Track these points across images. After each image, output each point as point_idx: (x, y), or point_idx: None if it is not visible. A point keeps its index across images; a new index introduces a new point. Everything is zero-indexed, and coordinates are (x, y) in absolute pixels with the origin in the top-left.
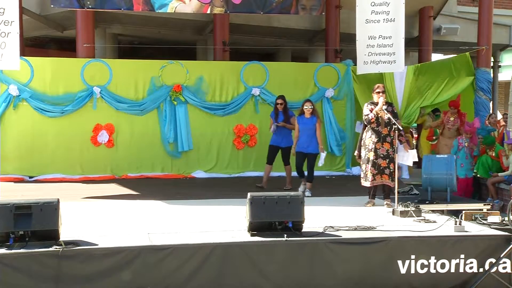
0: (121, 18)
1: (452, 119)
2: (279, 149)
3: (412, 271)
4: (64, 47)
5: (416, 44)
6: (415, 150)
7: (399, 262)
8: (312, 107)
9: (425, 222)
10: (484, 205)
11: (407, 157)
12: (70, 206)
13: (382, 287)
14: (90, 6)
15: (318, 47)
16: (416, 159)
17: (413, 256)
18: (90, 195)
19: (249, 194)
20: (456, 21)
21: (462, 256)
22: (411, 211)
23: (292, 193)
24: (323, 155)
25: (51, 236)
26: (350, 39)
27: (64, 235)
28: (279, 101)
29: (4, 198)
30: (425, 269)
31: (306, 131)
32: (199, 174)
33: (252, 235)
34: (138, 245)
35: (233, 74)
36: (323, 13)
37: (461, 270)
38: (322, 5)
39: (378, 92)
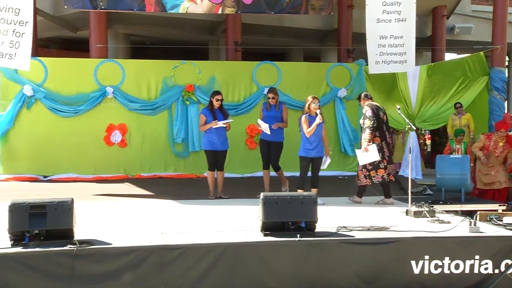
0: (133, 19)
1: (501, 144)
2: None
3: (426, 272)
4: (77, 47)
5: (429, 43)
6: (373, 146)
7: (413, 263)
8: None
9: (439, 222)
10: (499, 206)
11: (364, 157)
12: (83, 206)
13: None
14: (102, 7)
15: (331, 47)
16: (375, 159)
17: (426, 257)
18: (103, 195)
19: (262, 194)
20: (470, 20)
21: (477, 257)
22: (425, 212)
23: (305, 193)
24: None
25: (66, 235)
26: (362, 38)
27: (78, 234)
28: (271, 95)
29: (19, 197)
30: (439, 270)
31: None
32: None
33: (265, 235)
34: (151, 245)
35: (245, 74)
36: (332, 13)
37: (476, 271)
38: (331, 5)
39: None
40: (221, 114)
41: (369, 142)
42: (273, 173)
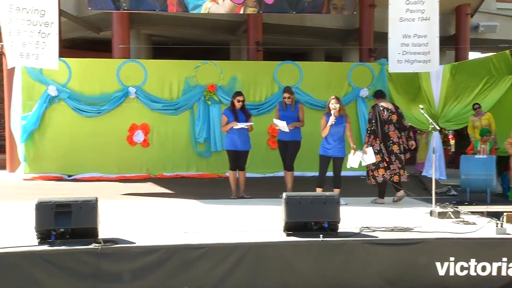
0: (155, 19)
1: None
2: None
3: (451, 273)
4: (100, 48)
5: (453, 42)
6: (370, 149)
7: (438, 264)
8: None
9: (465, 223)
10: None
11: (353, 159)
12: (107, 205)
13: None
14: (125, 8)
15: (352, 46)
16: (370, 161)
17: (452, 258)
18: (126, 194)
19: (284, 194)
20: (495, 18)
21: (505, 259)
22: (450, 212)
23: (327, 193)
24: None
25: (90, 233)
26: (384, 38)
27: (102, 233)
28: (286, 94)
29: (45, 196)
30: (465, 272)
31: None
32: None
33: (288, 235)
34: (175, 244)
35: (266, 74)
36: (355, 12)
37: (504, 273)
38: (353, 4)
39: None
40: (242, 115)
41: (366, 145)
42: (296, 173)
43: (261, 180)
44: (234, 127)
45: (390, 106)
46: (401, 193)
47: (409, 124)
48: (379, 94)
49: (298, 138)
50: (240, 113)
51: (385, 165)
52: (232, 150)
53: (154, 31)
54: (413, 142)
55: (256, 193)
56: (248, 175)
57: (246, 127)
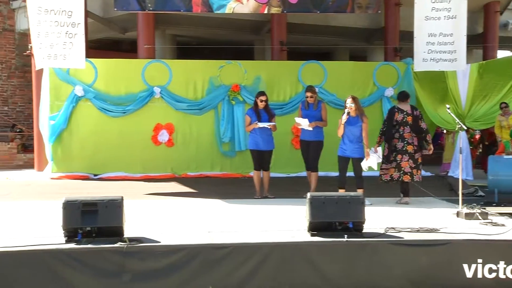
0: (180, 19)
1: None
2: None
3: (479, 276)
4: (125, 48)
5: (481, 41)
6: (374, 156)
7: (465, 266)
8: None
9: (493, 225)
10: None
11: (367, 162)
12: (132, 204)
13: None
14: (150, 8)
15: (377, 45)
16: (374, 165)
17: (480, 260)
18: (151, 194)
19: (308, 194)
20: None
21: None
22: (477, 214)
23: (352, 193)
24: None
25: (116, 232)
26: (410, 37)
27: (127, 232)
28: (308, 93)
29: (71, 195)
30: (494, 274)
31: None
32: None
33: (312, 235)
34: (199, 243)
35: (290, 74)
36: (379, 11)
37: None
38: (378, 3)
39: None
40: (265, 115)
41: (377, 144)
42: (321, 173)
43: (285, 180)
44: (255, 127)
45: (407, 108)
46: (406, 199)
47: (426, 126)
48: (400, 96)
49: (321, 138)
50: (263, 112)
51: (394, 165)
52: (255, 150)
53: (179, 31)
54: (431, 147)
55: (281, 193)
56: (273, 175)
57: (269, 127)
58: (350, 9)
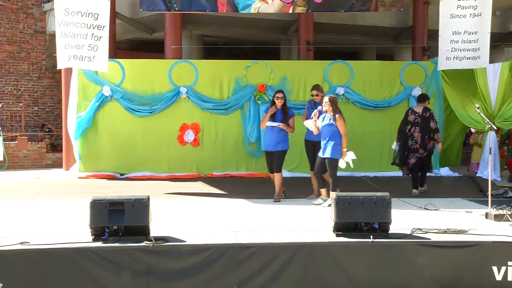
0: (206, 20)
1: None
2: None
3: (509, 278)
4: (153, 49)
5: None
6: (351, 153)
7: (494, 268)
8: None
9: None
10: None
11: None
12: (158, 203)
13: None
14: (176, 9)
15: (405, 45)
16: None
17: (510, 263)
18: (177, 193)
19: (334, 194)
20: None
21: None
22: (507, 215)
23: (378, 193)
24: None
25: (142, 231)
26: (438, 35)
27: (153, 231)
28: (314, 92)
29: (98, 194)
30: None
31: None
32: (283, 173)
33: (338, 235)
34: (225, 243)
35: (317, 73)
36: (402, 9)
37: None
38: (400, 1)
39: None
40: (280, 114)
41: (397, 141)
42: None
43: (310, 180)
44: (261, 127)
45: (419, 110)
46: (423, 189)
47: (435, 126)
48: (418, 98)
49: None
50: (279, 112)
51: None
52: (265, 151)
53: (206, 31)
54: (440, 146)
55: (306, 192)
56: (297, 175)
57: (276, 126)
58: (374, 7)
